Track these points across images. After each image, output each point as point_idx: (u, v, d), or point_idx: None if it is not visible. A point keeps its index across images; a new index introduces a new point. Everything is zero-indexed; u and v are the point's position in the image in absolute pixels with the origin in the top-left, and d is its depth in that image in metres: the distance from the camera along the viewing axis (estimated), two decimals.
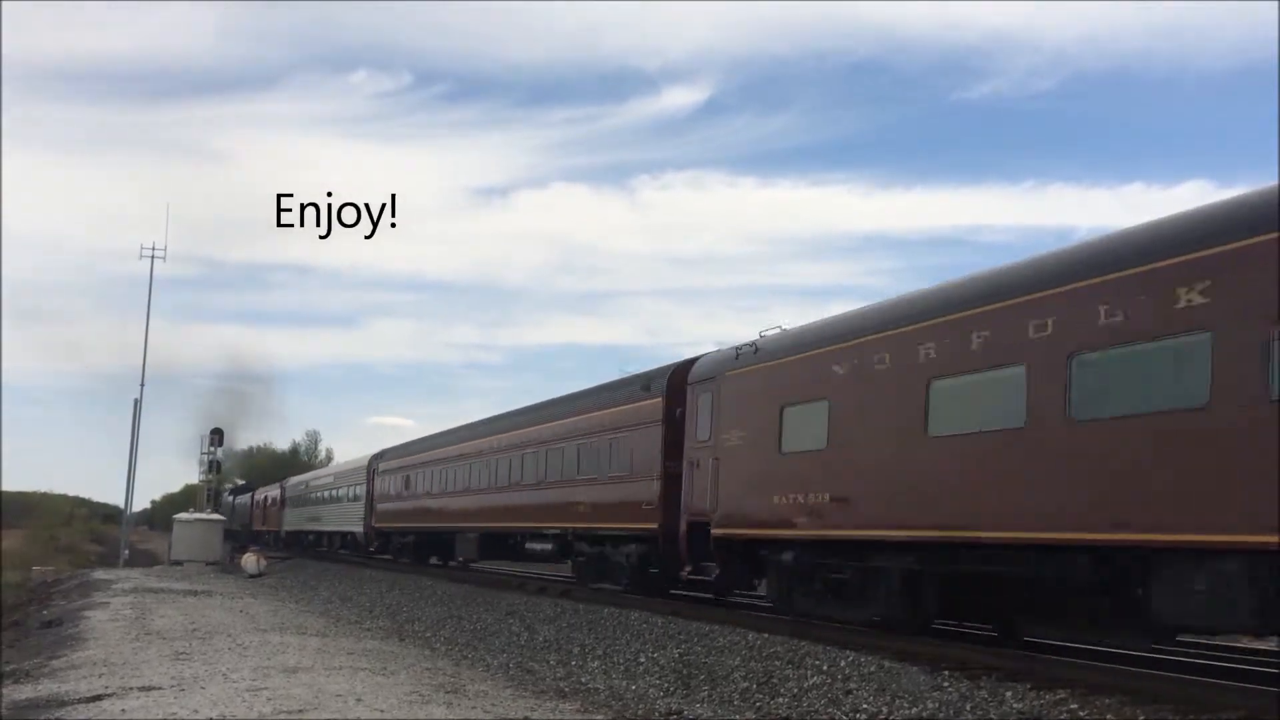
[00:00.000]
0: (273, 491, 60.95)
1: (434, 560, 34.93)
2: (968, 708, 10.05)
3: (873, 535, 13.89)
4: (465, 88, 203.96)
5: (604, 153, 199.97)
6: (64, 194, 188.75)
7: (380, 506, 39.16)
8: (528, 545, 26.77)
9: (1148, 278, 10.44)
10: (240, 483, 57.24)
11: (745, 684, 12.19)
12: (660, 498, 19.52)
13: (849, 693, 11.14)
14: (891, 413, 13.53)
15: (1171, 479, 9.95)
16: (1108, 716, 9.27)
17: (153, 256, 52.26)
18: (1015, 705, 9.93)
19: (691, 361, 19.50)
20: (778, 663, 12.83)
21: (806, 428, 15.23)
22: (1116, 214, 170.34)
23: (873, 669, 11.83)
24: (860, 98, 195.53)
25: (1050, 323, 11.47)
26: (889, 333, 13.97)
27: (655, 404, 20.35)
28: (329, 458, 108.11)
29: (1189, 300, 9.99)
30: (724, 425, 17.38)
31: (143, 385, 50.68)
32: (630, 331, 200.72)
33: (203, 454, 55.24)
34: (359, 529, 41.74)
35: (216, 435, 54.81)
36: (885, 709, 10.45)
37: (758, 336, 17.44)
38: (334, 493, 46.94)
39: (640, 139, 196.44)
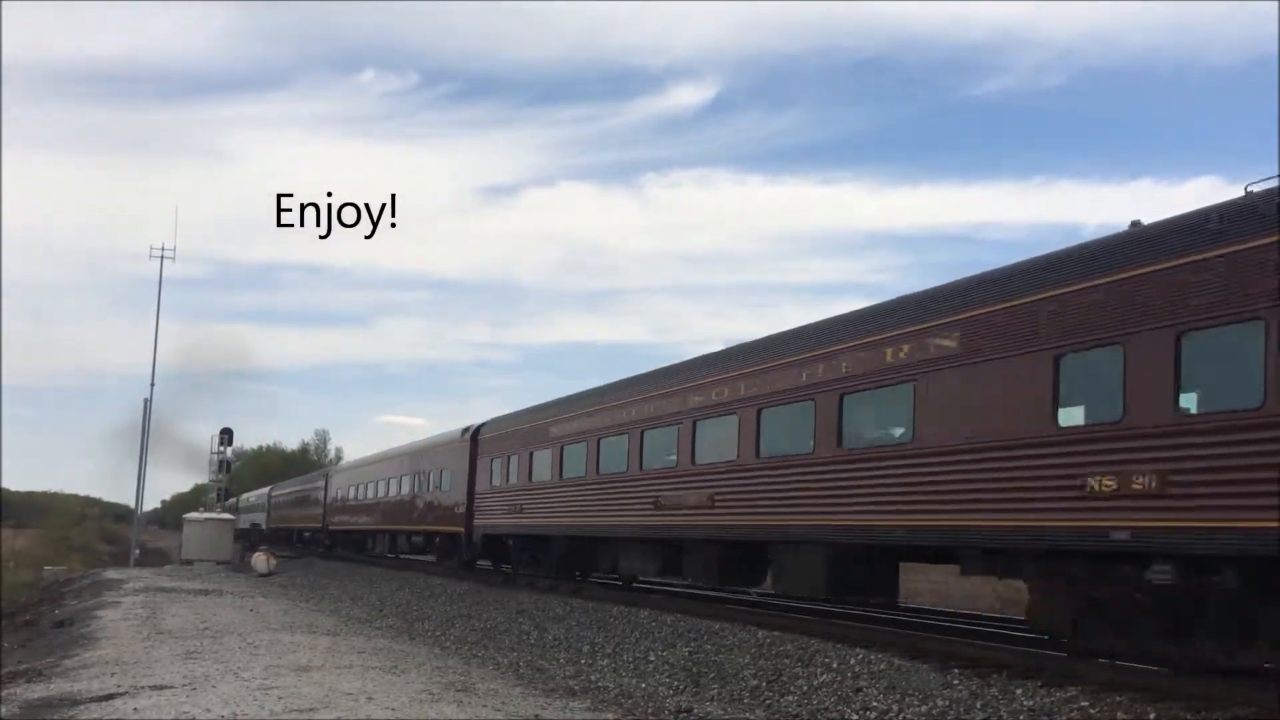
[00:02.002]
0: (232, 500, 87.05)
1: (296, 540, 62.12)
2: (978, 705, 10.04)
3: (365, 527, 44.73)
4: (472, 87, 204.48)
5: (611, 151, 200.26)
6: (70, 195, 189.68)
7: (274, 513, 68.49)
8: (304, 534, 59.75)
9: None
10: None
11: (755, 682, 12.20)
12: (321, 519, 51.95)
13: (859, 690, 11.14)
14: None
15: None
16: (1119, 714, 9.25)
17: (161, 257, 52.44)
18: (1026, 703, 9.91)
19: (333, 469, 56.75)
20: (787, 661, 12.83)
21: (355, 492, 46.65)
22: (1126, 210, 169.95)
23: (882, 666, 11.82)
24: (867, 95, 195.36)
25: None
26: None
27: (321, 484, 53.72)
28: (338, 456, 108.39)
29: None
30: (333, 491, 50.70)
31: (153, 385, 50.84)
32: (640, 329, 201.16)
33: (212, 454, 55.41)
34: (264, 525, 70.02)
35: (226, 435, 54.93)
36: (895, 706, 10.44)
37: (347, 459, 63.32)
38: (256, 505, 75.92)
39: (647, 137, 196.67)
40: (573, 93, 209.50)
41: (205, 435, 59.58)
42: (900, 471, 13.57)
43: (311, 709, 10.24)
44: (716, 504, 17.70)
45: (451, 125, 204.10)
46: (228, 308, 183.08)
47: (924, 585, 23.88)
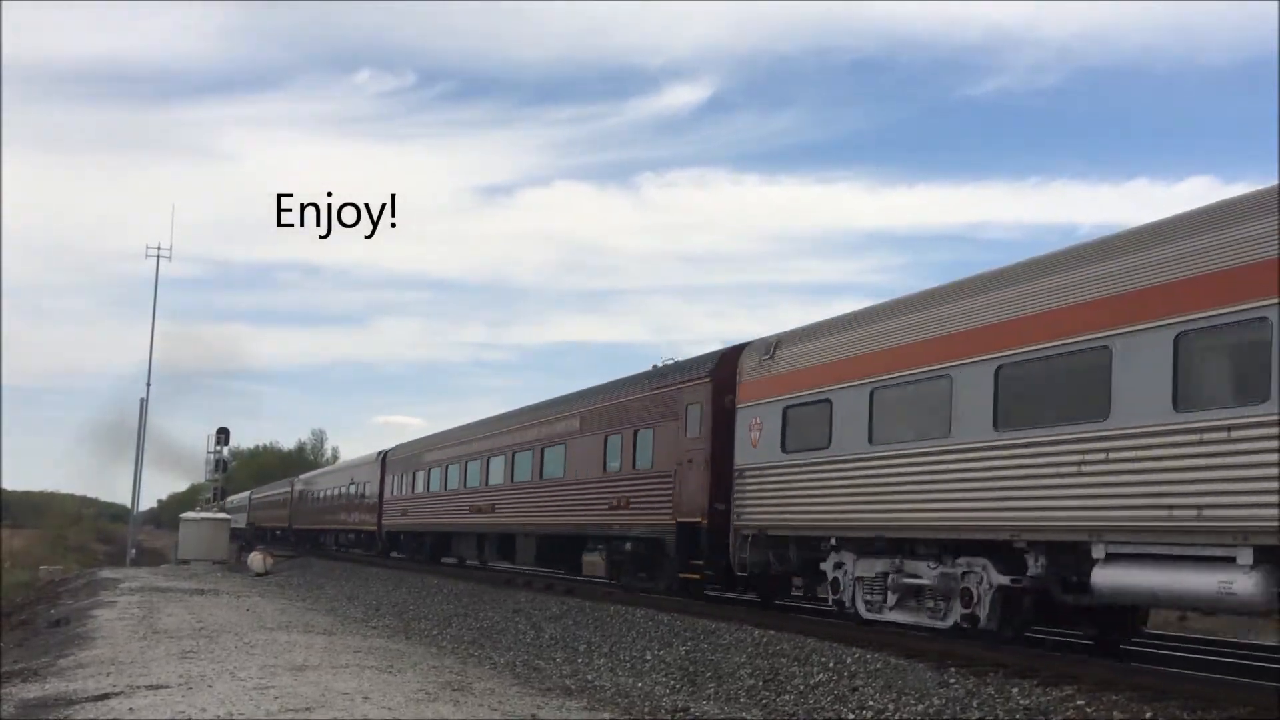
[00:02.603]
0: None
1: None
2: (974, 704, 10.04)
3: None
4: (469, 87, 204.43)
5: (607, 151, 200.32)
6: (68, 195, 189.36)
7: (254, 514, 75.69)
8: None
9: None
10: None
11: (751, 681, 12.19)
12: (288, 519, 61.18)
13: (855, 689, 11.13)
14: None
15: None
16: (1114, 713, 9.25)
17: (158, 256, 52.42)
18: (1022, 702, 9.91)
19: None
20: (784, 660, 12.83)
21: (312, 497, 56.42)
22: (1120, 210, 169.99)
23: (879, 666, 11.82)
24: (864, 95, 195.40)
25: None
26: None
27: (288, 490, 62.34)
28: (335, 456, 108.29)
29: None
30: (297, 496, 59.80)
31: (149, 384, 50.77)
32: (638, 329, 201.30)
33: (209, 453, 55.33)
34: (243, 526, 73.30)
35: (222, 434, 54.83)
36: (891, 705, 10.43)
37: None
38: (240, 506, 78.40)
39: (644, 137, 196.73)
40: (570, 93, 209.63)
41: (195, 435, 59.84)
42: (563, 493, 24.84)
43: (308, 709, 10.23)
44: (497, 510, 28.96)
45: (449, 125, 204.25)
46: (226, 308, 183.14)
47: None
